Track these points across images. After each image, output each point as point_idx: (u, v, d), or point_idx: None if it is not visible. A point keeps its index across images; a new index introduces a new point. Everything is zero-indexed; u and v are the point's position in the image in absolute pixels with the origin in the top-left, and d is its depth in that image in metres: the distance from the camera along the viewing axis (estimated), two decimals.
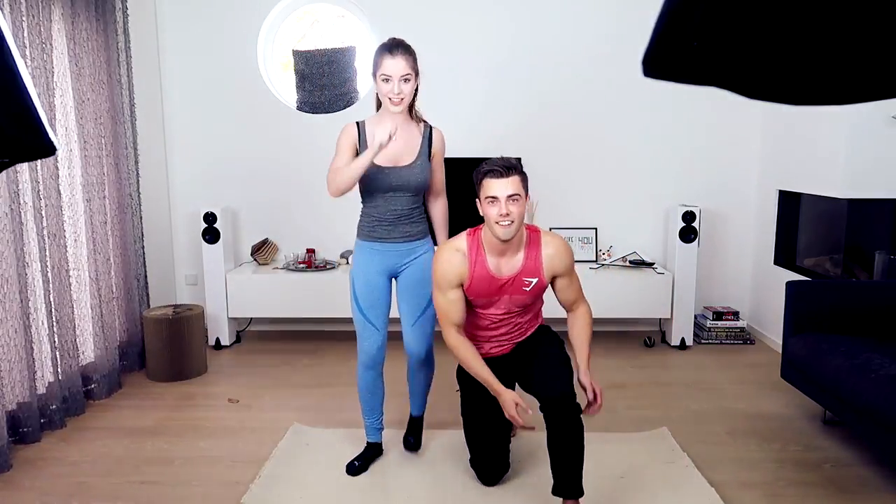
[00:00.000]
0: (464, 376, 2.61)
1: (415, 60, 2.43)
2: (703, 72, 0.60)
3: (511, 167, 2.23)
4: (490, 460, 2.58)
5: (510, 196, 2.20)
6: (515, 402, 2.29)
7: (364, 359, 2.64)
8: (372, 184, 2.51)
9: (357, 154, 2.49)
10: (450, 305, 2.39)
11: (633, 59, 4.31)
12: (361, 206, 2.62)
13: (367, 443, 2.79)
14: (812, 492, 2.55)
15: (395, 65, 2.38)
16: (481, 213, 2.30)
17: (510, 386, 2.56)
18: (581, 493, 2.24)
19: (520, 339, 2.56)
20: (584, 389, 2.31)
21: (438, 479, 2.64)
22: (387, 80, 2.39)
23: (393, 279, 2.66)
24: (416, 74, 2.45)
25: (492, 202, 2.22)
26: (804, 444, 2.94)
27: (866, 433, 2.58)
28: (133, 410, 3.38)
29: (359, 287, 2.58)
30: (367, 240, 2.59)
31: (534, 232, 2.40)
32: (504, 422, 2.63)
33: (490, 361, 2.50)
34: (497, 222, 2.22)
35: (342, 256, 4.50)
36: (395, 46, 2.40)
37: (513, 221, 2.22)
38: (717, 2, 0.56)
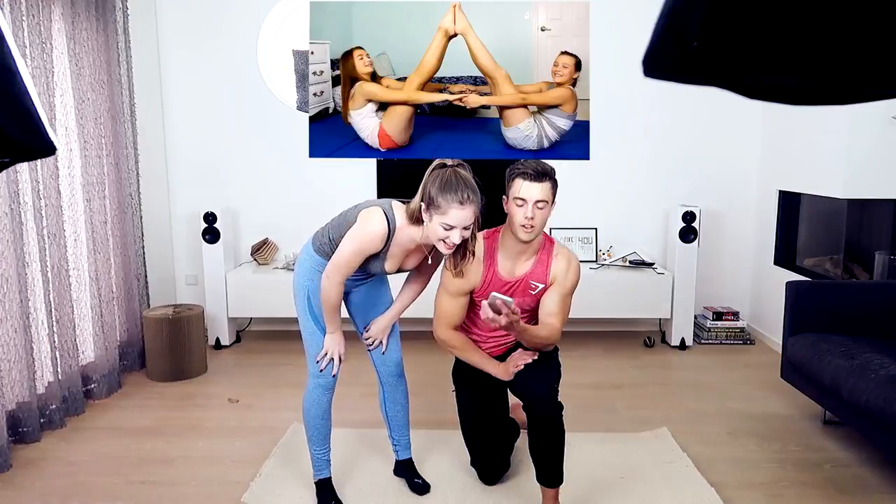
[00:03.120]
0: (459, 377, 2.62)
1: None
2: (703, 72, 0.60)
3: (544, 174, 2.23)
4: (489, 460, 2.58)
5: (537, 202, 2.20)
6: (510, 366, 2.34)
7: (324, 381, 2.39)
8: (364, 268, 2.29)
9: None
10: (455, 309, 2.41)
11: (632, 58, 4.32)
12: (331, 238, 2.31)
13: (320, 482, 2.49)
14: (812, 492, 2.55)
15: (462, 214, 2.06)
16: (506, 211, 2.31)
17: (502, 388, 2.54)
18: (561, 482, 2.33)
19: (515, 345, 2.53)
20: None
21: (438, 478, 2.64)
22: (448, 229, 2.08)
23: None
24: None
25: (520, 204, 2.22)
26: (804, 445, 2.94)
27: (866, 433, 2.58)
28: (133, 410, 3.38)
29: (316, 303, 2.33)
30: (326, 259, 2.29)
31: (548, 241, 2.41)
32: (502, 421, 2.63)
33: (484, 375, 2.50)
34: (522, 225, 2.23)
35: None
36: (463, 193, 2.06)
37: (535, 226, 2.23)
38: (718, 2, 0.56)
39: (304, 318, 2.37)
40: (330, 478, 2.51)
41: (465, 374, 2.58)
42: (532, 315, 2.45)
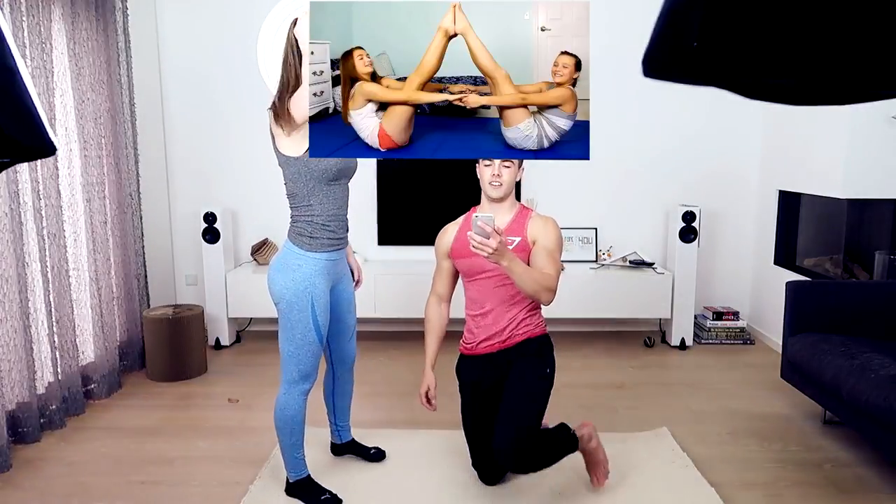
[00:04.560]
0: (461, 375, 2.62)
1: None
2: (703, 72, 0.60)
3: None
4: (489, 460, 2.57)
5: (503, 161, 2.42)
6: (426, 389, 2.56)
7: (308, 387, 2.39)
8: (340, 171, 2.29)
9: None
10: (438, 274, 2.63)
11: (632, 57, 4.32)
12: (308, 208, 2.30)
13: (304, 480, 2.48)
14: (812, 492, 2.55)
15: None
16: (479, 177, 2.49)
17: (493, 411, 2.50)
18: (574, 449, 2.46)
19: (511, 341, 2.48)
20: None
21: (439, 479, 2.64)
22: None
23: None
24: None
25: (487, 164, 2.45)
26: (804, 445, 2.94)
27: (866, 433, 2.58)
28: (133, 410, 3.38)
29: (321, 312, 2.31)
30: (323, 251, 2.32)
31: (525, 209, 2.54)
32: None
33: (479, 362, 2.51)
34: (490, 182, 2.45)
35: None
36: None
37: (502, 184, 2.44)
38: (717, 2, 0.56)
39: (301, 328, 2.30)
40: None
41: (467, 373, 2.58)
42: (517, 295, 2.48)
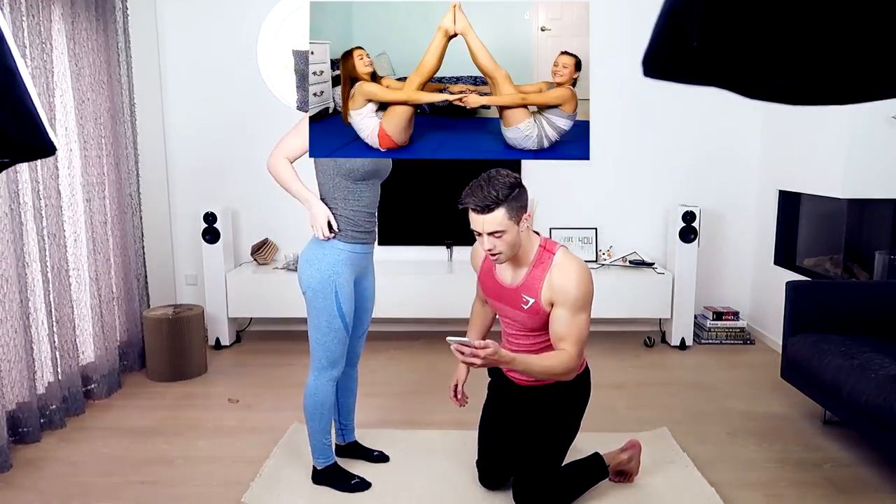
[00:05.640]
0: (493, 377, 2.61)
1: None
2: (703, 72, 0.60)
3: (491, 204, 2.05)
4: (490, 464, 2.55)
5: (491, 233, 2.08)
6: (455, 383, 2.46)
7: (337, 374, 2.45)
8: (369, 172, 2.35)
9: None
10: (477, 282, 2.50)
11: (633, 58, 4.32)
12: (333, 201, 2.38)
13: (330, 467, 2.56)
14: (812, 492, 2.55)
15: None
16: None
17: (527, 405, 2.47)
18: (605, 475, 2.50)
19: (541, 381, 2.33)
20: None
21: (439, 479, 2.64)
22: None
23: None
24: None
25: (477, 235, 2.15)
26: (804, 445, 2.94)
27: (866, 433, 2.58)
28: (133, 410, 3.38)
29: (344, 300, 2.37)
30: (350, 242, 2.38)
31: (548, 251, 2.22)
32: (514, 433, 2.53)
33: (511, 390, 2.48)
34: (489, 257, 2.21)
35: None
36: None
37: (500, 253, 2.13)
38: (717, 2, 0.56)
39: (327, 315, 2.36)
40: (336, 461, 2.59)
41: (497, 376, 2.58)
42: (535, 333, 2.30)
